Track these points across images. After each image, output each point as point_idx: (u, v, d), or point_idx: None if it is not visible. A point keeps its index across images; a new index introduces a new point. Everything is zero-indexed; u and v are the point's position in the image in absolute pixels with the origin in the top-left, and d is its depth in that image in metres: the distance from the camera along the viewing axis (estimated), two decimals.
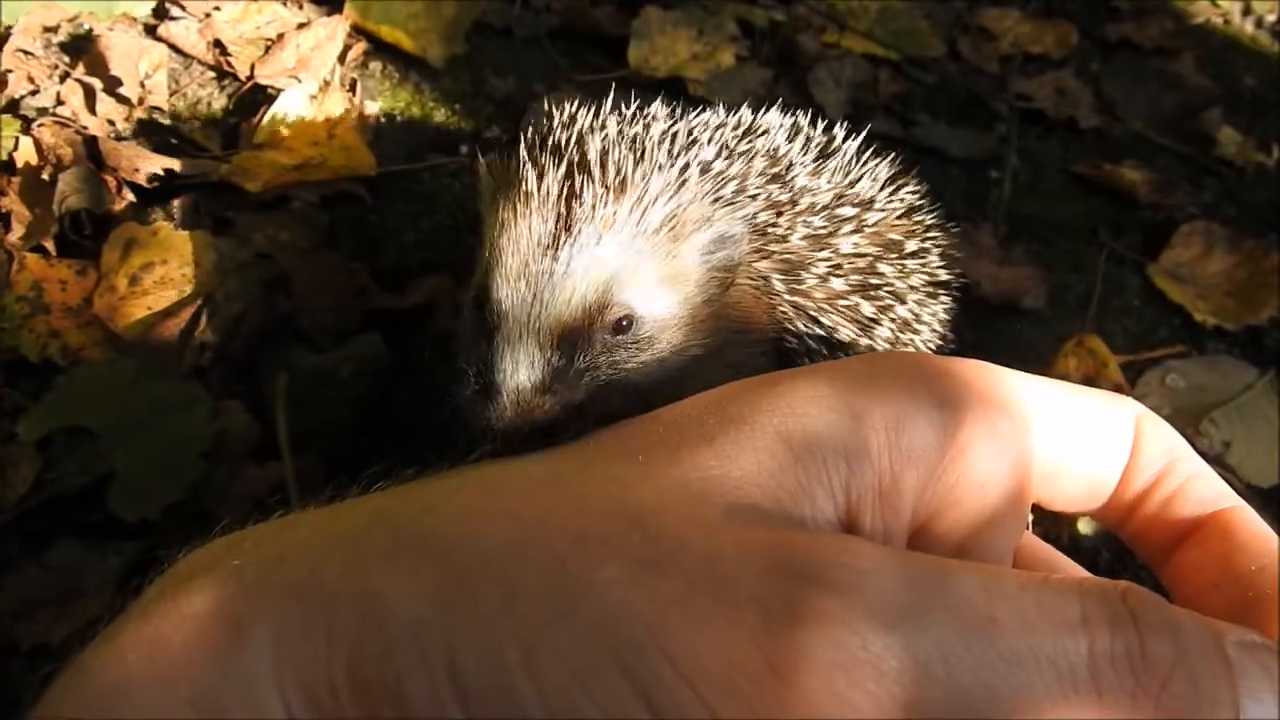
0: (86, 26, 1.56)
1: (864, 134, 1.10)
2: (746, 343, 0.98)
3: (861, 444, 0.51)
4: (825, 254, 0.96)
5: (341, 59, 1.62)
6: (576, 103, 0.97)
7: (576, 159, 0.88)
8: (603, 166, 0.87)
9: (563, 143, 0.90)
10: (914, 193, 1.13)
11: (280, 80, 1.54)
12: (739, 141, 1.00)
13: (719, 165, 0.93)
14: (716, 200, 0.91)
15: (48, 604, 0.99)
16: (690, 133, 0.97)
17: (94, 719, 0.46)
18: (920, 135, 1.67)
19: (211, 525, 0.56)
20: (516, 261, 0.86)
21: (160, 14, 1.60)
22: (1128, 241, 1.59)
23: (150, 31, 1.58)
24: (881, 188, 1.06)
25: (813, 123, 1.11)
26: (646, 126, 0.96)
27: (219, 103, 1.54)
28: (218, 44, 1.57)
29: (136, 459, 1.07)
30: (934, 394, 0.53)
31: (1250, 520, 0.57)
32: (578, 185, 0.86)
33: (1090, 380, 1.33)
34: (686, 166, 0.90)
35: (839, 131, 1.11)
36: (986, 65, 1.82)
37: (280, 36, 1.60)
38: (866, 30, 1.76)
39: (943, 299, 1.12)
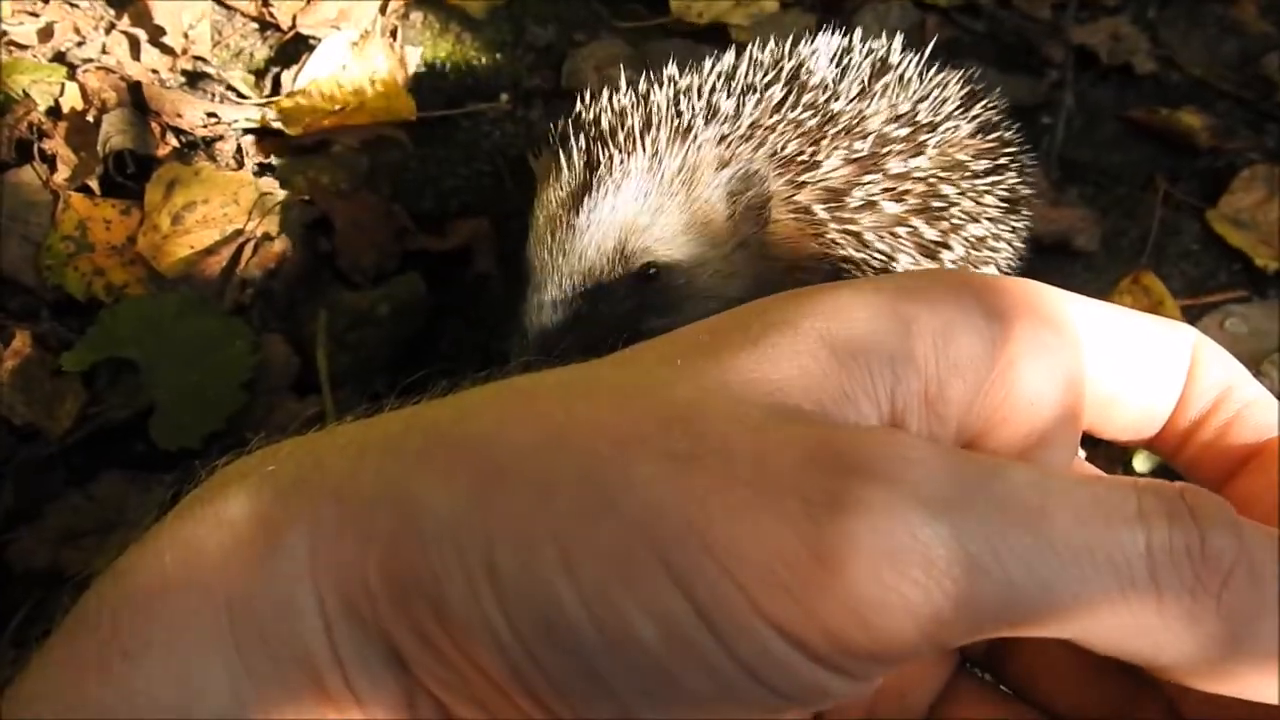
0: None
1: (929, 50, 1.09)
2: (797, 284, 0.99)
3: (908, 351, 0.49)
4: (873, 177, 0.94)
5: (383, 9, 1.61)
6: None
7: (594, 133, 0.97)
8: (615, 133, 0.96)
9: (587, 123, 0.99)
10: (991, 108, 1.10)
11: (322, 30, 1.54)
12: (764, 76, 1.00)
13: (729, 107, 0.96)
14: (729, 142, 0.95)
15: (90, 533, 1.00)
16: (705, 82, 1.00)
17: (128, 621, 0.45)
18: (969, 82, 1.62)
19: None
20: (545, 221, 0.96)
21: None
22: (1185, 187, 1.54)
23: None
24: (945, 105, 1.04)
25: (865, 40, 1.08)
26: (660, 86, 1.01)
27: (261, 53, 1.54)
28: None
29: (178, 391, 1.08)
30: (983, 307, 0.51)
31: None
32: (596, 154, 0.95)
33: None
34: (694, 115, 0.96)
35: (896, 48, 1.08)
36: (1038, 12, 1.76)
37: None
38: None
39: (1024, 213, 1.11)
